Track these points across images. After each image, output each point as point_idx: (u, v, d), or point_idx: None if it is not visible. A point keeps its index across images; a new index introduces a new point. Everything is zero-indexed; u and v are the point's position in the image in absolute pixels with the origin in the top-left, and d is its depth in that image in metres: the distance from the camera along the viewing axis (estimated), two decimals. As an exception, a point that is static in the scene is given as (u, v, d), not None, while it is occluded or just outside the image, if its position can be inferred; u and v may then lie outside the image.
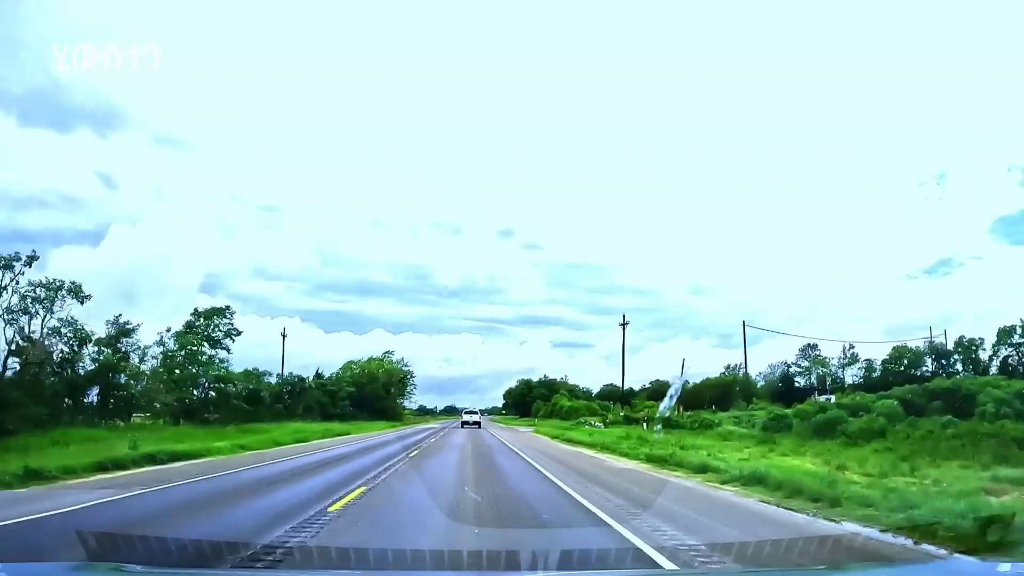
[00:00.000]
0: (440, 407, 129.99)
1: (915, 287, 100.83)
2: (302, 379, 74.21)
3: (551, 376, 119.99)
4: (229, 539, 7.50)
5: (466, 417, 66.49)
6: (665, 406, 39.01)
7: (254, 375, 64.14)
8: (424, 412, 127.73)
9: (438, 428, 60.06)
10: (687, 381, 45.26)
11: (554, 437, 39.54)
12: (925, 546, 7.91)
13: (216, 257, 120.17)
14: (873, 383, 71.49)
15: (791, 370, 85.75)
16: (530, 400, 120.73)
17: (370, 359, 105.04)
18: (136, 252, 78.06)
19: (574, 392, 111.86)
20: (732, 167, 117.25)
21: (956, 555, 7.29)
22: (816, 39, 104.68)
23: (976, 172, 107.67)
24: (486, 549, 7.25)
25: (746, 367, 67.21)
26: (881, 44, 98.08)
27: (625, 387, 77.59)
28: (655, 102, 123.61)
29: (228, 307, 51.77)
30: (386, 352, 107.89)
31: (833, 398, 70.24)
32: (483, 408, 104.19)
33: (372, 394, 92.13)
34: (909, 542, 8.13)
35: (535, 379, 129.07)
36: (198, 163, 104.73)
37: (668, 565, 6.90)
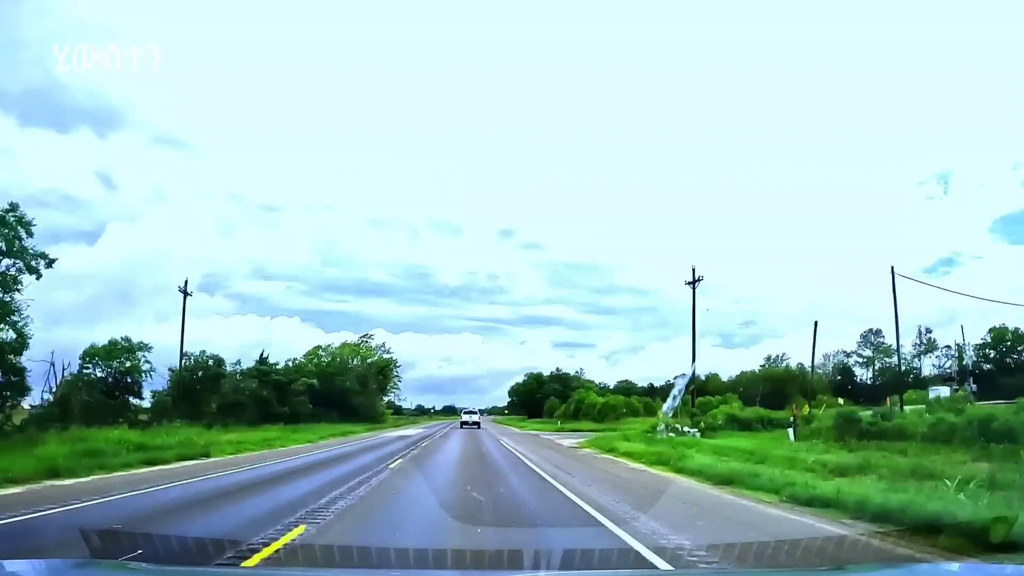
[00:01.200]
0: (439, 407, 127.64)
1: (915, 286, 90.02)
2: (219, 363, 49.55)
3: (563, 370, 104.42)
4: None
5: (465, 417, 65.30)
6: (668, 407, 36.42)
7: (122, 348, 39.70)
8: (422, 412, 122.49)
9: (418, 437, 36.21)
10: (692, 380, 40.66)
11: (720, 482, 13.65)
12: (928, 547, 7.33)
13: (215, 256, 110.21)
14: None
15: (850, 361, 73.93)
16: (540, 397, 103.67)
17: (343, 344, 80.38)
18: (133, 251, 75.87)
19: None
20: (732, 166, 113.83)
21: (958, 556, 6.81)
22: (816, 38, 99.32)
23: (980, 170, 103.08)
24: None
25: (898, 340, 42.56)
26: (881, 41, 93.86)
27: (638, 384, 67.39)
28: (656, 102, 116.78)
29: (14, 206, 26.23)
30: (364, 337, 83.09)
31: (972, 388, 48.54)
32: (483, 408, 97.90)
33: (342, 388, 68.21)
34: (912, 543, 7.60)
35: (545, 374, 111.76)
36: (197, 163, 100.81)
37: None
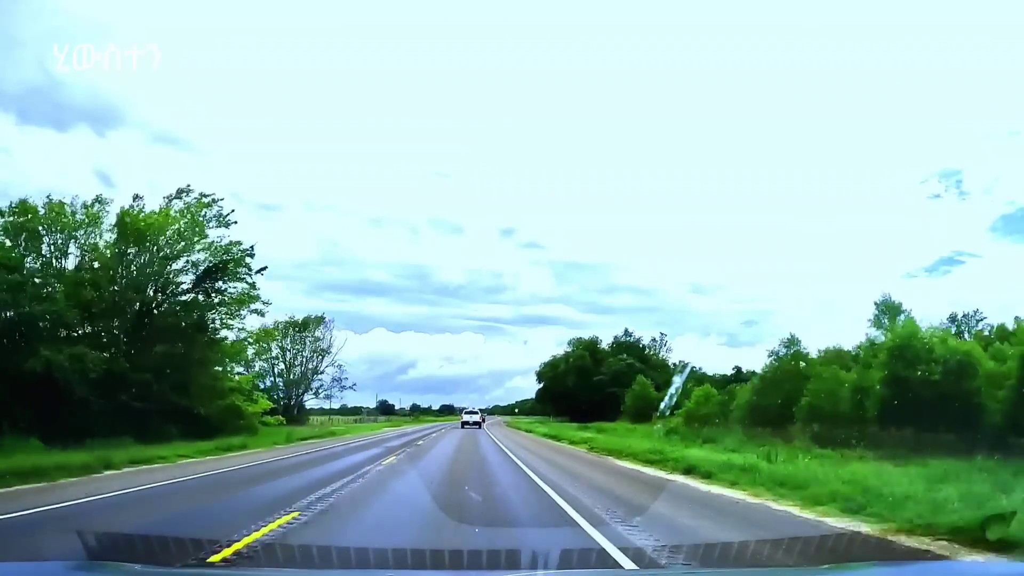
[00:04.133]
0: (437, 406, 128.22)
1: (917, 285, 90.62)
2: None
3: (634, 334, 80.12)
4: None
5: (466, 417, 62.22)
6: (665, 405, 35.31)
7: None
8: (419, 411, 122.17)
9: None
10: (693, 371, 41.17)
11: None
12: (926, 545, 7.58)
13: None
14: None
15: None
16: (603, 382, 63.17)
17: (125, 210, 30.01)
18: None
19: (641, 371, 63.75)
20: (733, 166, 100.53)
21: (957, 555, 7.05)
22: (817, 37, 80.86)
23: (984, 168, 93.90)
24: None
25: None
26: (881, 43, 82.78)
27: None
28: (656, 100, 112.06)
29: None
30: (180, 194, 32.66)
31: None
32: (484, 407, 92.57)
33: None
34: (911, 541, 7.78)
35: (605, 344, 77.37)
36: (197, 161, 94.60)
37: None
